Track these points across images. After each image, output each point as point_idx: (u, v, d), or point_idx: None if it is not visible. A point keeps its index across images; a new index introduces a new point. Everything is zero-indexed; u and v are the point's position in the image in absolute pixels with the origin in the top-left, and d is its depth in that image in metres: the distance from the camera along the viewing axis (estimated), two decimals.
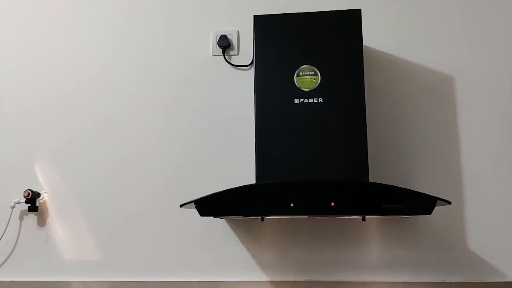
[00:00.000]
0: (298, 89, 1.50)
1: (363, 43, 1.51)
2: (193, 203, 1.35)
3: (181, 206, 1.40)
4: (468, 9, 1.73)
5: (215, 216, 1.51)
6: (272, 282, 1.64)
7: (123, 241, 1.73)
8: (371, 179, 1.46)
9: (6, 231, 1.76)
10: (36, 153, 1.81)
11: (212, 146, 1.74)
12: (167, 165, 1.75)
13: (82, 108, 1.82)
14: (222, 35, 1.80)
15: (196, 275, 1.67)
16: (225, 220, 1.69)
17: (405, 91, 1.70)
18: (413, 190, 1.33)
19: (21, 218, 1.78)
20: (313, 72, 1.50)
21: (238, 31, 1.81)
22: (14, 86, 1.87)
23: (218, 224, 1.69)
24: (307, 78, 1.50)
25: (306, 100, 1.49)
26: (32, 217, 1.78)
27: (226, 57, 1.79)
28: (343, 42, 1.51)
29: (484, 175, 1.63)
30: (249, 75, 1.73)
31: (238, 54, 1.80)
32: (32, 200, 1.74)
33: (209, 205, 1.36)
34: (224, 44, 1.78)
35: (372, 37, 1.69)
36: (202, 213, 1.36)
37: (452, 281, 1.59)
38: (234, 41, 1.80)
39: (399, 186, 1.38)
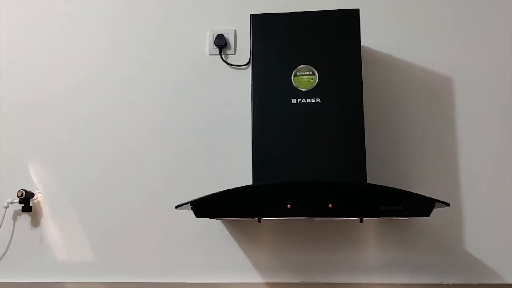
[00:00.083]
0: (296, 89, 1.49)
1: (361, 43, 1.50)
2: (189, 204, 1.34)
3: (176, 207, 1.39)
4: (467, 10, 1.73)
5: (211, 217, 1.51)
6: (268, 283, 1.64)
7: (118, 242, 1.71)
8: (369, 180, 1.46)
9: None
10: (30, 153, 1.80)
11: (208, 146, 1.73)
12: (162, 165, 1.74)
13: (77, 107, 1.81)
14: (218, 34, 1.78)
15: (192, 277, 1.66)
16: (221, 221, 1.68)
17: (403, 92, 1.70)
18: (412, 192, 1.32)
19: (14, 218, 1.77)
20: (310, 72, 1.49)
21: (235, 30, 1.79)
22: (7, 85, 1.85)
23: (214, 225, 1.67)
24: (304, 78, 1.49)
25: (303, 100, 1.48)
26: (25, 218, 1.76)
27: (223, 56, 1.78)
28: (341, 42, 1.50)
29: (482, 177, 1.63)
30: (246, 75, 1.72)
31: (235, 54, 1.79)
32: (26, 200, 1.72)
33: (205, 206, 1.35)
34: (221, 43, 1.77)
35: (370, 37, 1.68)
36: (198, 214, 1.35)
37: (450, 283, 1.59)
38: (231, 40, 1.79)
39: (397, 187, 1.38)
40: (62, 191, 1.76)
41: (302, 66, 1.50)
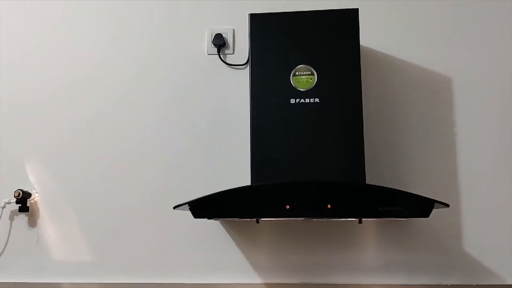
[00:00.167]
0: (294, 89, 1.48)
1: (360, 43, 1.50)
2: (187, 204, 1.33)
3: (174, 207, 1.38)
4: (466, 10, 1.73)
5: (209, 218, 1.50)
6: (266, 284, 1.63)
7: (116, 242, 1.71)
8: (368, 181, 1.45)
9: None
10: (27, 153, 1.79)
11: (207, 146, 1.72)
12: (160, 165, 1.73)
13: (75, 107, 1.80)
14: (217, 33, 1.78)
15: (190, 277, 1.66)
16: (220, 221, 1.67)
17: (402, 92, 1.70)
18: (411, 193, 1.32)
19: (11, 218, 1.76)
20: (309, 72, 1.49)
21: (233, 29, 1.79)
22: (5, 85, 1.84)
23: (212, 226, 1.67)
24: (303, 78, 1.49)
25: (302, 100, 1.47)
26: (22, 218, 1.75)
27: (221, 56, 1.77)
28: (340, 41, 1.50)
29: (481, 177, 1.63)
30: (245, 75, 1.71)
31: (233, 53, 1.78)
32: (23, 200, 1.72)
33: (203, 207, 1.34)
34: (219, 42, 1.76)
35: (369, 37, 1.68)
36: (196, 215, 1.34)
37: (449, 284, 1.58)
38: (229, 39, 1.78)
39: (396, 187, 1.38)
40: (60, 191, 1.75)
41: (301, 66, 1.49)
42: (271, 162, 1.46)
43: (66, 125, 1.79)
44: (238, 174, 1.63)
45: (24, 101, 1.82)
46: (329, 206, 1.30)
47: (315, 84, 1.48)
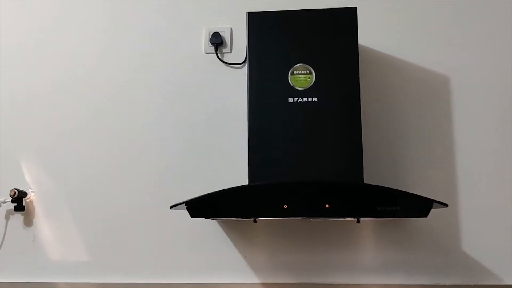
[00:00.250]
0: (292, 88, 1.48)
1: (359, 42, 1.49)
2: (184, 204, 1.32)
3: (171, 207, 1.38)
4: (465, 9, 1.72)
5: (206, 218, 1.49)
6: (264, 284, 1.63)
7: (112, 242, 1.70)
8: (366, 181, 1.45)
9: None
10: (23, 151, 1.78)
11: (204, 146, 1.72)
12: (157, 164, 1.73)
13: (72, 106, 1.79)
14: (214, 32, 1.77)
15: (187, 277, 1.65)
16: (217, 221, 1.67)
17: (400, 91, 1.69)
18: (409, 192, 1.31)
19: (7, 217, 1.75)
20: (307, 71, 1.48)
21: (231, 28, 1.78)
22: (0, 84, 1.83)
23: (209, 226, 1.66)
24: (301, 77, 1.48)
25: (300, 100, 1.47)
26: (18, 217, 1.74)
27: (219, 54, 1.76)
28: (339, 40, 1.49)
29: (480, 177, 1.63)
30: (242, 73, 1.71)
31: (231, 52, 1.77)
32: (19, 199, 1.71)
33: (200, 207, 1.34)
34: (217, 41, 1.76)
35: (368, 36, 1.67)
36: (193, 215, 1.34)
37: (447, 284, 1.58)
38: (227, 38, 1.77)
39: (395, 187, 1.37)
40: (56, 190, 1.75)
41: (299, 65, 1.49)
42: (269, 162, 1.45)
43: (62, 124, 1.78)
44: (236, 174, 1.61)
45: (21, 100, 1.81)
46: (327, 205, 1.29)
47: (313, 83, 1.47)
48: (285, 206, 1.30)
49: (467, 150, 1.64)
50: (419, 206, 1.29)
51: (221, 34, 1.77)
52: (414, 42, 1.72)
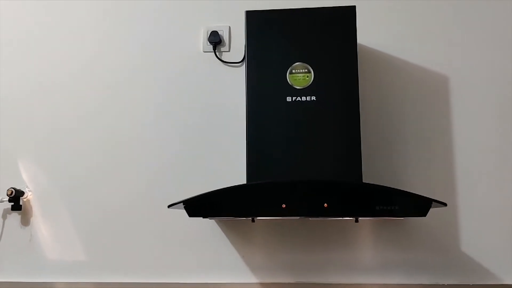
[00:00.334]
0: (291, 87, 1.47)
1: (357, 41, 1.49)
2: (181, 203, 1.32)
3: (169, 206, 1.37)
4: (463, 9, 1.72)
5: (204, 217, 1.49)
6: (262, 284, 1.62)
7: (110, 241, 1.69)
8: (364, 180, 1.44)
9: None
10: (20, 150, 1.77)
11: (202, 144, 1.71)
12: (155, 163, 1.72)
13: (68, 104, 1.79)
14: (213, 31, 1.76)
15: (184, 277, 1.64)
16: (215, 220, 1.66)
17: (399, 90, 1.69)
18: (408, 192, 1.31)
19: (4, 217, 1.74)
20: (306, 70, 1.48)
21: (229, 27, 1.78)
22: None
23: (207, 225, 1.66)
24: (300, 75, 1.47)
25: (298, 98, 1.46)
26: (15, 216, 1.74)
27: (217, 53, 1.76)
28: (337, 39, 1.49)
29: (478, 176, 1.62)
30: (241, 72, 1.70)
31: (229, 51, 1.77)
32: (16, 198, 1.70)
33: (198, 206, 1.33)
34: (215, 40, 1.75)
35: (367, 35, 1.67)
36: (191, 214, 1.33)
37: (446, 284, 1.58)
38: (225, 37, 1.77)
39: (393, 186, 1.36)
40: (53, 190, 1.74)
41: (297, 63, 1.48)
42: (267, 161, 1.45)
43: (60, 123, 1.78)
44: (234, 173, 1.61)
45: (18, 100, 1.81)
46: (325, 205, 1.29)
47: (312, 82, 1.47)
48: (284, 206, 1.29)
49: (466, 149, 1.64)
50: (418, 205, 1.29)
51: (220, 33, 1.76)
52: (413, 42, 1.71)
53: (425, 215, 1.28)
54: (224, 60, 1.76)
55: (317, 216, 1.46)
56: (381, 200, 1.29)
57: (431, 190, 1.59)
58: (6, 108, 1.80)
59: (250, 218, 1.53)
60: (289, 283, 1.61)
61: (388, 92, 1.69)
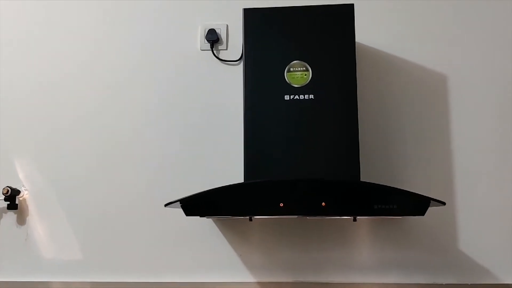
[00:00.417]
0: (289, 85, 1.46)
1: (356, 40, 1.48)
2: (178, 202, 1.31)
3: (165, 205, 1.36)
4: (462, 8, 1.72)
5: (201, 216, 1.48)
6: (259, 283, 1.61)
7: (106, 241, 1.68)
8: (362, 178, 1.44)
9: None
10: (16, 149, 1.76)
11: (199, 143, 1.70)
12: (152, 162, 1.71)
13: (65, 102, 1.78)
14: (210, 29, 1.75)
15: (181, 276, 1.64)
16: (212, 219, 1.65)
17: (398, 89, 1.69)
18: (406, 190, 1.30)
19: None
20: (304, 68, 1.47)
21: (227, 25, 1.77)
22: None
23: (204, 224, 1.65)
24: (298, 74, 1.47)
25: (296, 97, 1.46)
26: (11, 215, 1.73)
27: (215, 51, 1.75)
28: (336, 37, 1.48)
29: (477, 175, 1.62)
30: (238, 71, 1.69)
31: (226, 49, 1.76)
32: (11, 197, 1.69)
33: (195, 205, 1.32)
34: (213, 38, 1.74)
35: (365, 33, 1.66)
36: (187, 213, 1.33)
37: (444, 283, 1.57)
38: (222, 35, 1.76)
39: (391, 185, 1.36)
40: (49, 189, 1.73)
41: (295, 62, 1.48)
42: (264, 159, 1.44)
43: (56, 121, 1.77)
44: (232, 171, 1.61)
45: (15, 99, 1.79)
46: (323, 204, 1.28)
47: (310, 80, 1.46)
48: (281, 204, 1.29)
49: (465, 148, 1.63)
50: (417, 204, 1.28)
51: (217, 31, 1.75)
52: (412, 41, 1.71)
53: (423, 214, 1.27)
54: (222, 59, 1.75)
55: (315, 215, 1.45)
56: (379, 199, 1.28)
57: (430, 189, 1.59)
58: (3, 107, 1.79)
59: (248, 217, 1.53)
60: (287, 282, 1.60)
61: (387, 91, 1.69)
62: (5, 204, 1.70)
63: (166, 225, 1.66)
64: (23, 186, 1.73)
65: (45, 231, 1.71)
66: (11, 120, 1.78)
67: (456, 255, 1.58)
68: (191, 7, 1.79)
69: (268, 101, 1.47)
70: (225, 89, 1.72)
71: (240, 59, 1.73)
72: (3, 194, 1.67)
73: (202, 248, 1.64)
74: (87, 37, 1.81)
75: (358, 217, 1.51)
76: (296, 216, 1.53)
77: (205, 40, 1.75)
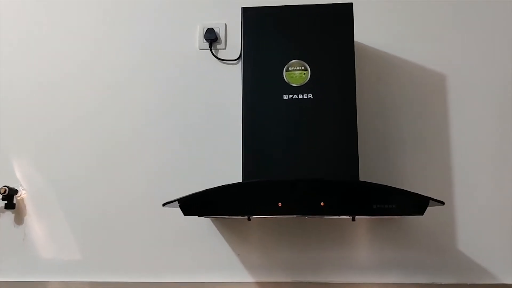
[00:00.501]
0: (287, 84, 1.46)
1: (355, 39, 1.48)
2: (176, 201, 1.31)
3: (163, 205, 1.36)
4: (461, 7, 1.72)
5: (199, 215, 1.47)
6: (258, 283, 1.61)
7: (104, 240, 1.68)
8: (361, 178, 1.43)
9: None
10: (14, 148, 1.76)
11: (198, 142, 1.70)
12: (150, 161, 1.71)
13: (64, 101, 1.78)
14: (209, 28, 1.75)
15: (180, 276, 1.63)
16: (210, 219, 1.65)
17: (396, 88, 1.68)
18: (405, 190, 1.30)
19: None
20: (303, 67, 1.46)
21: (225, 24, 1.77)
22: None
23: (202, 223, 1.65)
24: (296, 73, 1.46)
25: (295, 96, 1.45)
26: (8, 215, 1.72)
27: (213, 51, 1.75)
28: (335, 36, 1.48)
29: (475, 175, 1.62)
30: (237, 70, 1.69)
31: (225, 48, 1.76)
32: (9, 197, 1.69)
33: (193, 204, 1.32)
34: (211, 37, 1.74)
35: (365, 33, 1.66)
36: (186, 213, 1.32)
37: (442, 283, 1.57)
38: (221, 34, 1.76)
39: (390, 185, 1.35)
40: (47, 188, 1.72)
41: (294, 61, 1.47)
42: (263, 159, 1.44)
43: (54, 121, 1.76)
44: (230, 171, 1.60)
45: (13, 98, 1.79)
46: (322, 203, 1.28)
47: (309, 79, 1.46)
48: (280, 204, 1.28)
49: (464, 148, 1.63)
50: (415, 204, 1.28)
51: (216, 30, 1.75)
52: (411, 40, 1.71)
53: (422, 214, 1.27)
54: (220, 58, 1.75)
55: (314, 214, 1.45)
56: (378, 199, 1.28)
57: (428, 189, 1.58)
58: (6, 107, 1.78)
59: (246, 217, 1.53)
60: (285, 282, 1.60)
61: (386, 90, 1.68)
62: (3, 203, 1.70)
63: (164, 225, 1.66)
64: (21, 185, 1.73)
65: (43, 230, 1.70)
66: (10, 120, 1.78)
67: (455, 255, 1.58)
68: (189, 6, 1.79)
69: (267, 100, 1.46)
70: (223, 89, 1.72)
71: (238, 58, 1.72)
72: (0, 193, 1.67)
73: (201, 248, 1.64)
74: (87, 37, 1.81)
75: (357, 216, 1.51)
76: (294, 216, 1.53)
77: (204, 39, 1.75)
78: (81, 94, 1.77)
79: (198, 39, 1.76)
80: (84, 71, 1.78)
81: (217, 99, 1.72)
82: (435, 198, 1.29)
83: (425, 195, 1.28)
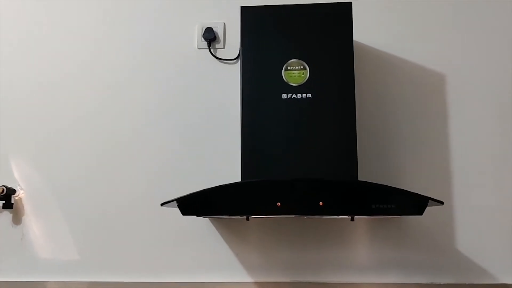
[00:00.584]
0: (286, 84, 1.46)
1: (354, 38, 1.47)
2: (175, 201, 1.30)
3: (162, 204, 1.36)
4: (461, 7, 1.72)
5: (198, 215, 1.47)
6: (256, 283, 1.61)
7: (102, 240, 1.68)
8: (360, 178, 1.43)
9: None
10: (12, 148, 1.75)
11: (197, 142, 1.70)
12: (148, 161, 1.71)
13: (62, 103, 1.77)
14: (207, 27, 1.75)
15: (178, 276, 1.63)
16: (209, 219, 1.64)
17: (396, 88, 1.68)
18: (404, 190, 1.30)
19: None
20: (301, 67, 1.46)
21: (224, 23, 1.76)
22: None
23: (201, 223, 1.64)
24: (295, 72, 1.46)
25: (294, 96, 1.45)
26: (6, 215, 1.72)
27: (212, 50, 1.74)
28: (334, 36, 1.48)
29: (474, 175, 1.62)
30: (236, 69, 1.69)
31: (224, 48, 1.76)
32: (7, 196, 1.68)
33: (192, 204, 1.32)
34: (210, 37, 1.74)
35: (364, 33, 1.66)
36: (184, 212, 1.32)
37: (441, 283, 1.57)
38: (220, 33, 1.75)
39: (389, 185, 1.35)
40: (45, 188, 1.72)
41: (293, 60, 1.47)
42: (262, 158, 1.44)
43: (53, 120, 1.76)
44: (229, 171, 1.59)
45: (13, 98, 1.79)
46: (321, 203, 1.28)
47: (308, 79, 1.45)
48: (279, 204, 1.28)
49: (463, 148, 1.63)
50: (415, 204, 1.28)
51: (214, 29, 1.75)
52: (411, 40, 1.70)
53: (421, 214, 1.27)
54: (219, 57, 1.74)
55: (313, 214, 1.44)
56: (377, 199, 1.28)
57: (428, 189, 1.58)
58: (6, 107, 1.78)
59: (245, 217, 1.52)
60: (284, 282, 1.60)
61: (386, 90, 1.68)
62: (1, 203, 1.70)
63: (162, 225, 1.65)
64: (19, 185, 1.72)
65: (41, 230, 1.70)
66: (10, 120, 1.77)
67: (454, 255, 1.58)
68: (188, 6, 1.79)
69: (266, 99, 1.46)
70: (222, 88, 1.72)
71: (237, 57, 1.72)
72: None
73: (199, 248, 1.64)
74: (87, 37, 1.81)
75: (356, 216, 1.50)
76: (293, 216, 1.53)
77: (202, 39, 1.75)
78: (81, 94, 1.77)
79: (196, 38, 1.76)
80: (84, 71, 1.78)
81: (216, 99, 1.72)
82: (434, 198, 1.29)
83: (424, 195, 1.28)
